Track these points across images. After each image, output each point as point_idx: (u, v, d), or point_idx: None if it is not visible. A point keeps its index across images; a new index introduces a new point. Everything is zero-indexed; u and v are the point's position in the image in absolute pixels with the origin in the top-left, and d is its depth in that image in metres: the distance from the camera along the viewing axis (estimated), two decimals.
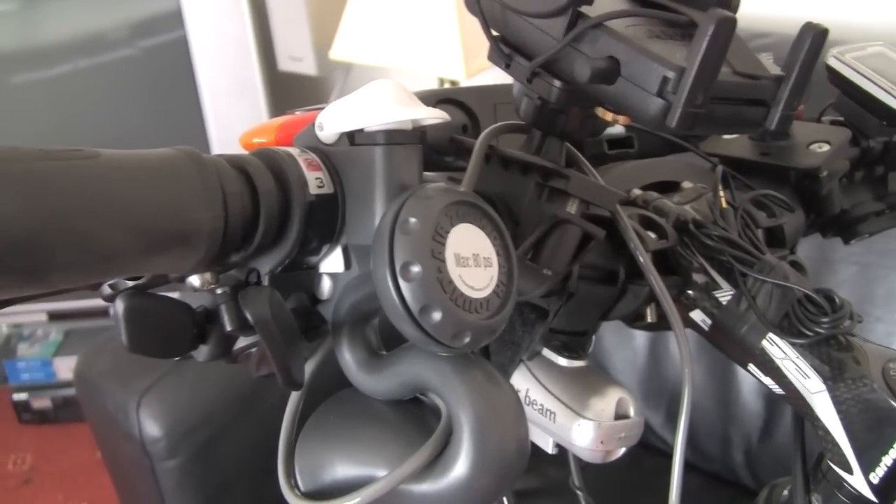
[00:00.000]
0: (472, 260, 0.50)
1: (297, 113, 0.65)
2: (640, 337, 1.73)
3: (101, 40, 2.50)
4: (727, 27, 0.51)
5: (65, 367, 2.94)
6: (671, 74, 0.52)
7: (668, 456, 1.78)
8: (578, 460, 0.83)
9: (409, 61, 2.09)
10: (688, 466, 1.71)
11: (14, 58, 2.55)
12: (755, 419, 1.64)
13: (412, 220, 0.48)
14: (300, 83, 2.65)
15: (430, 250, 0.48)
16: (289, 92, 2.65)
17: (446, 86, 2.26)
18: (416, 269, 0.47)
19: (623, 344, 1.76)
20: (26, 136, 2.58)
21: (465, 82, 2.15)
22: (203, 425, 1.60)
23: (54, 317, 3.03)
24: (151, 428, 1.56)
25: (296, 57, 2.59)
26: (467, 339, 0.49)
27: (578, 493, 0.85)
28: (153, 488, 1.61)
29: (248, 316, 0.51)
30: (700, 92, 0.52)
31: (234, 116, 2.46)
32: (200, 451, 1.60)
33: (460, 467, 0.50)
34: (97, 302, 2.42)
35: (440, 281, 0.48)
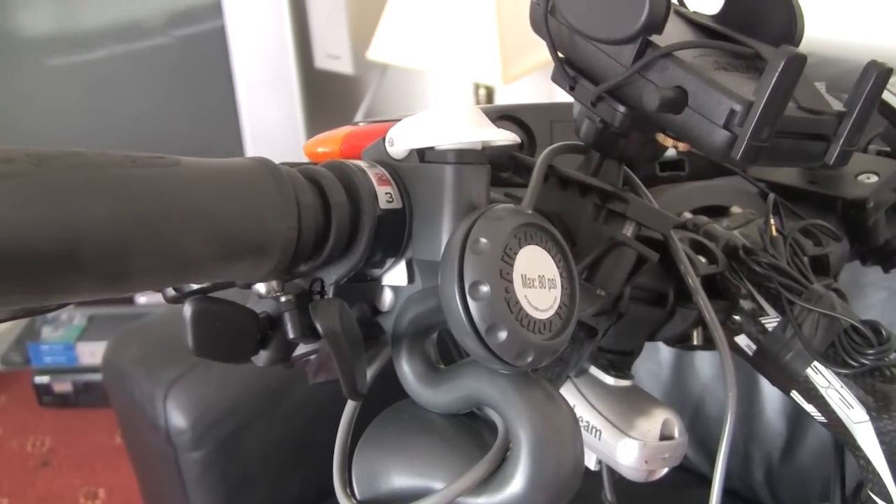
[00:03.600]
0: (538, 281, 0.51)
1: (361, 125, 0.66)
2: (665, 351, 1.73)
3: (138, 27, 2.52)
4: (797, 64, 0.52)
5: (87, 352, 2.95)
6: (739, 108, 0.53)
7: (688, 471, 1.78)
8: (612, 475, 0.84)
9: (446, 65, 2.10)
10: (707, 481, 1.71)
11: (51, 40, 2.56)
12: (777, 439, 1.65)
13: (483, 240, 0.49)
14: (335, 81, 2.65)
15: (499, 270, 0.49)
16: (323, 89, 2.66)
17: (481, 91, 2.27)
18: (485, 288, 0.48)
19: (647, 357, 1.76)
20: (59, 119, 2.60)
21: (501, 89, 2.15)
22: (228, 418, 1.61)
23: (79, 302, 3.02)
24: (177, 419, 1.58)
25: (333, 55, 2.59)
26: (530, 359, 0.50)
27: None
28: (176, 479, 1.63)
29: (319, 327, 0.52)
30: (766, 126, 0.53)
31: (267, 110, 2.47)
32: (225, 443, 1.61)
33: (517, 483, 0.51)
34: None
35: (507, 301, 0.49)
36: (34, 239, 0.39)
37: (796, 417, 1.62)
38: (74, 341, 2.96)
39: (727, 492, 1.81)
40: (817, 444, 1.61)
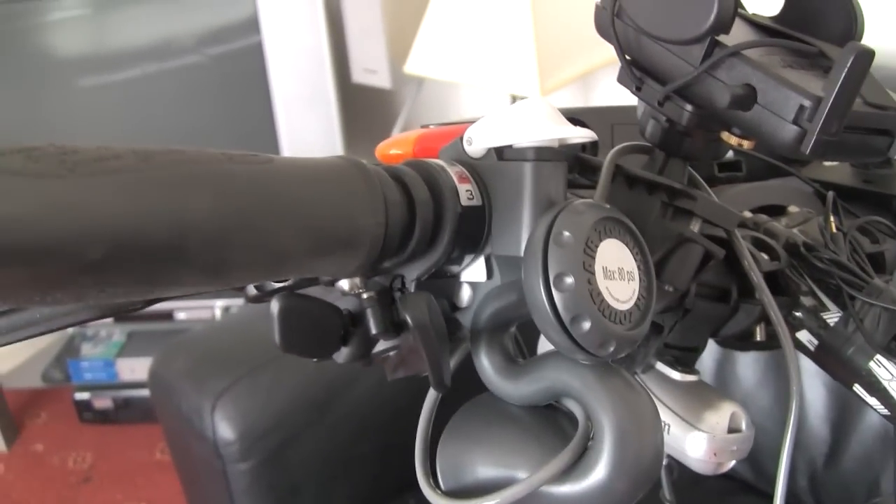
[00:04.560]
0: (618, 273, 0.52)
1: (432, 127, 0.67)
2: (707, 358, 1.74)
3: (174, 45, 2.53)
4: (865, 60, 0.53)
5: (127, 368, 2.96)
6: (808, 103, 0.54)
7: (730, 478, 1.78)
8: (670, 473, 0.85)
9: (483, 78, 2.11)
10: (749, 489, 1.72)
11: (85, 61, 2.58)
12: (821, 445, 1.65)
13: (566, 233, 0.51)
14: (372, 95, 2.67)
15: (582, 263, 0.50)
16: (361, 104, 2.68)
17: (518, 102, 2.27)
18: (569, 280, 0.50)
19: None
20: (93, 140, 2.60)
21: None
22: (276, 430, 1.62)
23: (118, 318, 3.07)
24: (225, 431, 1.58)
25: (370, 69, 2.61)
26: (612, 349, 0.51)
27: None
28: (224, 490, 1.64)
29: (409, 318, 0.53)
30: (835, 121, 0.54)
31: (305, 125, 2.49)
32: (273, 455, 1.61)
33: (600, 471, 0.52)
34: (161, 305, 2.43)
35: (590, 292, 0.50)
36: (145, 230, 0.40)
37: (840, 423, 1.63)
38: (114, 357, 2.98)
39: (769, 499, 1.81)
40: (861, 450, 1.60)
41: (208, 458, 1.63)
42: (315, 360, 0.58)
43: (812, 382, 1.63)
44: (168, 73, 2.56)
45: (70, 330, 3.11)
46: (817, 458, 1.66)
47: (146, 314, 2.97)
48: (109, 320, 3.05)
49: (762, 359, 1.68)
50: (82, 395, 3.01)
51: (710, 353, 1.74)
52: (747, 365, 1.70)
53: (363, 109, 2.72)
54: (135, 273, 0.41)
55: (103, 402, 3.01)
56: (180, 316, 2.98)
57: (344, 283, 0.55)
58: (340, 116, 2.50)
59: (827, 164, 0.92)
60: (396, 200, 0.51)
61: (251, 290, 0.60)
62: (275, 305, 0.53)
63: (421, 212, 0.53)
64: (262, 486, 1.63)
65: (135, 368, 2.93)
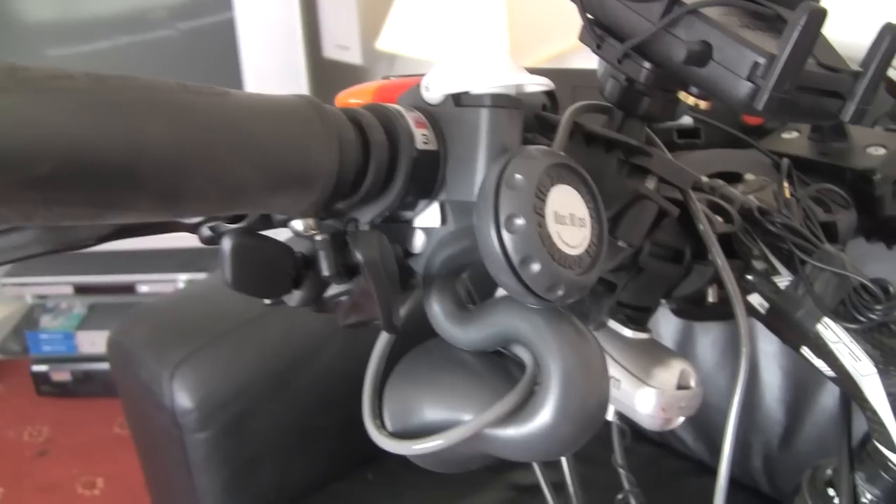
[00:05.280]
0: (569, 219, 0.53)
1: (392, 78, 0.68)
2: (667, 339, 1.75)
3: (146, 18, 2.52)
4: (818, 18, 0.54)
5: (87, 341, 2.96)
6: (762, 60, 0.55)
7: (687, 458, 1.80)
8: (622, 439, 0.86)
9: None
10: (706, 469, 1.74)
11: (55, 30, 2.58)
12: (776, 426, 1.66)
13: (518, 176, 0.51)
14: (344, 71, 2.66)
15: (533, 205, 0.51)
16: (332, 80, 2.67)
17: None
18: (519, 221, 0.50)
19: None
20: None
21: None
22: (235, 400, 1.62)
23: (80, 290, 3.05)
24: (184, 399, 1.59)
25: (342, 45, 2.60)
26: (561, 293, 0.52)
27: (620, 470, 0.88)
28: (181, 460, 1.64)
29: (359, 256, 0.54)
30: (788, 78, 0.55)
31: None
32: (231, 425, 1.62)
33: (545, 415, 0.53)
34: (123, 277, 2.43)
35: (540, 235, 0.51)
36: (97, 149, 0.40)
37: (794, 406, 1.64)
38: (74, 330, 2.98)
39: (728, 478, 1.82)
40: (814, 433, 1.62)
41: (166, 427, 1.63)
42: (266, 301, 0.58)
43: (768, 365, 1.65)
44: (139, 46, 2.55)
45: (29, 301, 3.09)
46: (772, 440, 1.68)
47: (108, 286, 2.96)
48: (70, 291, 3.04)
49: (721, 340, 1.70)
50: (40, 368, 3.01)
51: (670, 333, 1.75)
52: (705, 346, 1.72)
53: (334, 85, 2.69)
54: (84, 192, 0.41)
55: (62, 375, 3.01)
56: (142, 289, 2.97)
57: (297, 224, 0.55)
58: (311, 92, 2.47)
59: (785, 136, 0.93)
60: (351, 140, 0.52)
61: (205, 231, 0.60)
62: (226, 243, 0.53)
63: (375, 153, 0.53)
64: (220, 457, 1.64)
65: (95, 341, 2.92)
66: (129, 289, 2.99)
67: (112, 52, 2.56)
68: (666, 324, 1.75)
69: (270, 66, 2.46)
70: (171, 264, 2.80)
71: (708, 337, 1.71)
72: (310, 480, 1.73)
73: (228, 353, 1.65)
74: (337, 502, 1.71)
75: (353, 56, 2.61)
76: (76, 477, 2.73)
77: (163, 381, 1.60)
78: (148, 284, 2.95)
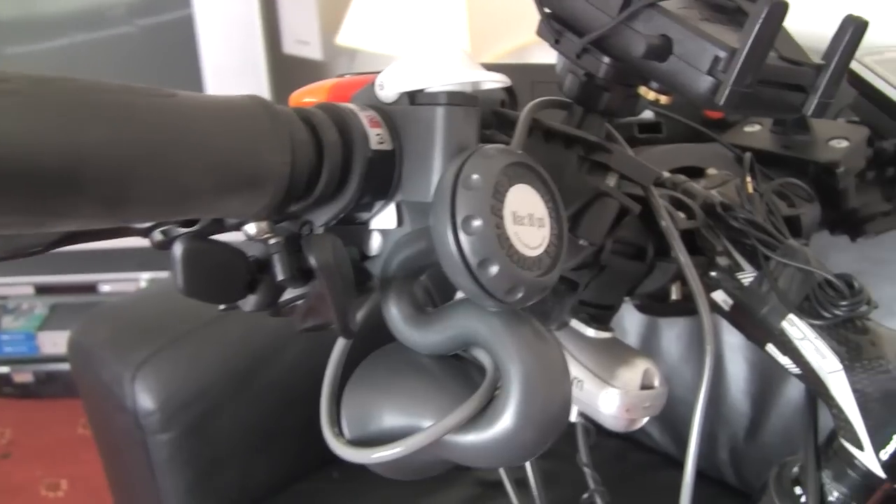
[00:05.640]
0: (528, 219, 0.52)
1: (348, 76, 0.66)
2: (631, 333, 1.75)
3: (105, 15, 2.50)
4: (780, 10, 0.53)
5: (49, 342, 2.92)
6: (723, 54, 0.55)
7: (654, 452, 1.80)
8: (588, 437, 0.85)
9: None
10: (673, 462, 1.73)
11: (11, 28, 2.54)
12: (742, 419, 1.66)
13: (475, 176, 0.50)
14: (304, 67, 2.64)
15: (490, 206, 0.50)
16: (292, 75, 2.64)
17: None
18: (476, 222, 0.49)
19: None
20: None
21: None
22: (197, 400, 1.60)
23: (41, 290, 3.02)
24: (146, 400, 1.57)
25: (302, 40, 2.58)
26: (520, 295, 0.51)
27: (585, 469, 0.87)
28: (144, 461, 1.62)
29: (312, 260, 0.53)
30: (749, 72, 0.54)
31: None
32: (194, 426, 1.60)
33: (506, 419, 0.52)
34: (85, 277, 2.40)
35: (498, 236, 0.50)
36: (36, 155, 0.39)
37: (760, 398, 1.64)
38: (35, 330, 2.94)
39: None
40: (780, 424, 1.63)
41: (128, 428, 1.61)
42: (221, 307, 0.57)
43: (734, 357, 1.65)
44: (98, 43, 2.53)
45: None
46: (738, 432, 1.68)
47: (69, 286, 2.93)
48: (31, 292, 3.01)
49: (686, 334, 1.70)
50: (2, 369, 2.97)
51: (635, 327, 1.75)
52: (670, 340, 1.71)
53: (295, 81, 2.68)
54: (23, 200, 0.39)
55: (24, 377, 2.97)
56: (104, 288, 2.94)
57: (251, 228, 0.54)
58: (271, 88, 2.47)
59: (747, 129, 0.92)
60: (304, 140, 0.51)
61: (157, 235, 0.59)
62: (177, 248, 0.52)
63: (329, 153, 0.52)
64: (183, 458, 1.62)
65: (57, 342, 2.88)
66: (90, 288, 2.95)
67: (71, 50, 2.53)
68: (630, 318, 1.74)
69: (230, 63, 2.44)
70: (133, 263, 2.76)
71: (673, 331, 1.71)
72: (274, 480, 1.71)
73: (190, 353, 1.63)
74: (302, 502, 1.70)
75: (314, 51, 2.59)
76: (40, 479, 2.70)
77: (124, 382, 1.58)
78: (110, 284, 2.92)
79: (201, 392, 1.61)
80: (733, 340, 1.65)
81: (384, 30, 2.15)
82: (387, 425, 0.57)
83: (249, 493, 1.70)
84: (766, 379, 1.63)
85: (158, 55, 2.53)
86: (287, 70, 2.65)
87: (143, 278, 2.80)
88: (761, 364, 1.62)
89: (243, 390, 1.65)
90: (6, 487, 2.68)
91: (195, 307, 0.57)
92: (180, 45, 2.44)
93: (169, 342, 1.62)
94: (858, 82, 0.88)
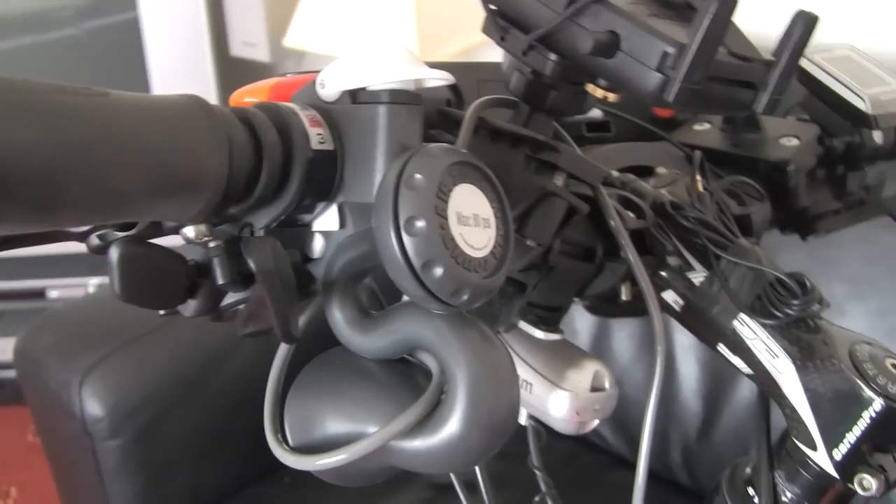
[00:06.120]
0: (473, 220, 0.51)
1: (289, 75, 0.65)
2: (583, 334, 1.75)
3: (50, 17, 2.47)
4: (729, 6, 0.53)
5: None
6: (672, 50, 0.54)
7: (605, 453, 1.80)
8: (538, 440, 0.85)
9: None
10: (625, 463, 1.74)
11: None
12: (694, 419, 1.67)
13: (417, 175, 0.49)
14: (252, 69, 2.63)
15: (434, 206, 0.49)
16: (240, 77, 2.61)
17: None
18: (420, 223, 0.48)
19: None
20: None
21: None
22: (146, 406, 1.59)
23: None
24: (93, 407, 1.55)
25: (249, 42, 2.57)
26: (465, 297, 0.50)
27: (537, 472, 0.86)
28: (93, 468, 1.60)
29: (251, 264, 0.51)
30: (699, 68, 0.54)
31: None
32: (143, 431, 1.58)
33: (453, 424, 0.51)
34: (32, 283, 2.36)
35: (443, 237, 0.49)
36: None
37: (712, 398, 1.65)
38: None
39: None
40: (732, 424, 1.63)
41: (77, 436, 1.59)
42: (161, 312, 0.55)
43: (685, 358, 1.65)
44: (43, 46, 2.50)
45: None
46: (690, 433, 1.68)
47: (17, 292, 2.90)
48: None
49: (637, 334, 1.70)
50: None
51: (586, 328, 1.75)
52: (621, 340, 1.71)
53: (242, 83, 2.67)
54: None
55: None
56: (52, 294, 2.90)
57: (189, 231, 0.53)
58: (219, 91, 2.45)
59: (697, 127, 0.92)
60: (242, 141, 0.50)
61: (94, 239, 0.57)
62: (113, 252, 0.51)
63: (268, 154, 0.51)
64: (133, 464, 1.61)
65: (5, 349, 2.82)
66: (38, 294, 2.91)
67: (16, 52, 2.50)
68: (581, 319, 1.74)
69: (177, 65, 2.42)
70: (82, 268, 2.73)
71: (623, 331, 1.71)
72: (225, 485, 1.70)
73: (138, 358, 1.62)
74: None
75: (261, 53, 2.57)
76: None
77: (72, 388, 1.56)
78: (58, 289, 2.88)
79: (150, 397, 1.60)
80: (685, 340, 1.65)
81: (332, 31, 2.13)
82: (331, 431, 0.56)
83: (200, 498, 1.68)
84: (717, 379, 1.63)
85: (105, 57, 2.50)
86: (235, 72, 2.63)
87: (92, 283, 2.77)
88: (713, 364, 1.62)
89: (192, 395, 1.64)
90: None
91: (142, 313, 0.56)
92: (126, 47, 2.42)
93: (116, 348, 1.60)
94: (808, 80, 0.88)
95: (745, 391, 1.59)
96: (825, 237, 0.94)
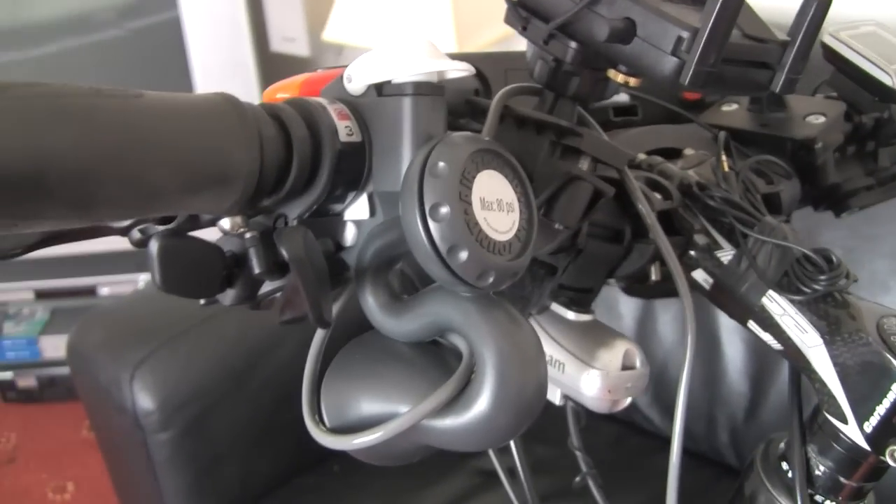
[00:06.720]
0: (496, 204, 0.52)
1: (319, 71, 0.67)
2: (627, 317, 1.75)
3: (93, 19, 2.50)
4: None
5: (51, 346, 2.91)
6: (685, 34, 0.55)
7: (653, 436, 1.80)
8: (578, 421, 0.86)
9: None
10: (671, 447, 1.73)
11: (1, 35, 2.54)
12: (741, 399, 1.67)
13: (441, 164, 0.50)
14: (292, 64, 2.64)
15: (458, 193, 0.50)
16: (280, 72, 2.63)
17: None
18: (444, 209, 0.50)
19: (610, 324, 1.78)
20: None
21: None
22: (196, 399, 1.61)
23: (41, 295, 3.01)
24: (144, 400, 1.57)
25: (288, 37, 2.58)
26: (491, 280, 0.51)
27: (577, 453, 0.88)
28: (145, 461, 1.63)
29: (284, 253, 0.53)
30: (713, 51, 0.55)
31: None
32: (193, 424, 1.61)
33: (482, 403, 0.53)
34: (84, 281, 2.39)
35: (467, 222, 0.50)
36: (1, 162, 0.39)
37: (758, 377, 1.64)
38: (37, 335, 2.93)
39: (694, 455, 1.81)
40: (779, 402, 1.62)
41: (128, 429, 1.62)
42: (201, 302, 0.57)
43: (730, 339, 1.65)
44: (86, 48, 2.52)
45: None
46: (737, 413, 1.68)
47: (69, 290, 2.94)
48: (31, 297, 3.01)
49: (681, 317, 1.69)
50: (5, 375, 2.96)
51: (630, 311, 1.75)
52: (666, 323, 1.71)
53: (283, 78, 2.70)
54: None
55: (27, 381, 2.97)
56: (103, 291, 2.94)
57: (225, 223, 0.55)
58: (260, 86, 2.47)
59: (724, 108, 0.92)
60: (272, 136, 0.51)
61: (135, 234, 0.60)
62: (153, 245, 0.52)
63: (298, 148, 0.53)
64: (184, 456, 1.63)
65: (59, 346, 2.87)
66: (90, 291, 2.95)
67: (60, 56, 2.52)
68: (626, 303, 1.74)
69: (218, 62, 2.44)
70: (132, 265, 2.76)
71: (668, 313, 1.71)
72: (275, 475, 1.72)
73: (187, 351, 1.64)
74: (303, 495, 1.71)
75: (301, 48, 2.59)
76: (46, 482, 2.70)
77: (122, 383, 1.59)
78: (109, 286, 2.92)
79: (198, 390, 1.62)
80: (728, 322, 1.64)
81: (370, 24, 2.14)
82: (366, 412, 0.58)
83: (251, 488, 1.70)
84: (762, 358, 1.63)
85: (148, 57, 2.52)
86: (275, 67, 2.65)
87: (142, 279, 2.80)
88: (757, 344, 1.61)
89: (239, 387, 1.66)
90: (13, 492, 2.69)
91: (190, 306, 0.58)
92: (169, 46, 2.44)
93: (165, 342, 1.63)
94: (835, 57, 0.88)
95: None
96: (866, 214, 0.94)
